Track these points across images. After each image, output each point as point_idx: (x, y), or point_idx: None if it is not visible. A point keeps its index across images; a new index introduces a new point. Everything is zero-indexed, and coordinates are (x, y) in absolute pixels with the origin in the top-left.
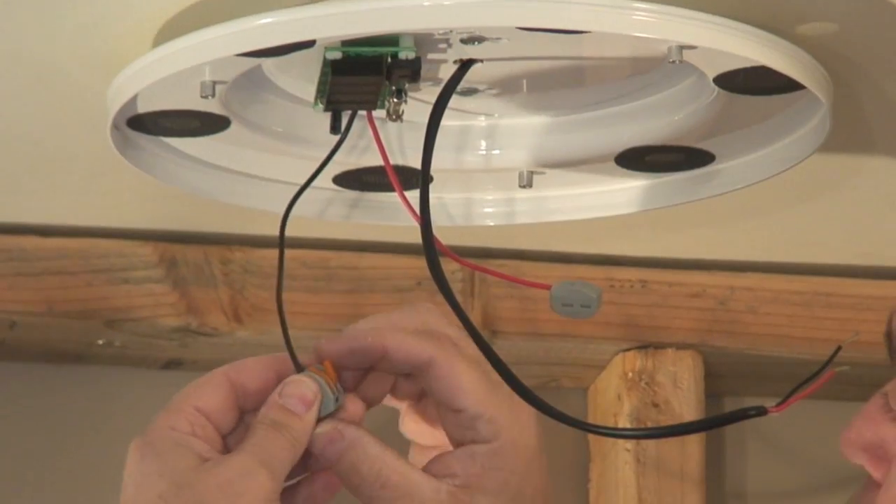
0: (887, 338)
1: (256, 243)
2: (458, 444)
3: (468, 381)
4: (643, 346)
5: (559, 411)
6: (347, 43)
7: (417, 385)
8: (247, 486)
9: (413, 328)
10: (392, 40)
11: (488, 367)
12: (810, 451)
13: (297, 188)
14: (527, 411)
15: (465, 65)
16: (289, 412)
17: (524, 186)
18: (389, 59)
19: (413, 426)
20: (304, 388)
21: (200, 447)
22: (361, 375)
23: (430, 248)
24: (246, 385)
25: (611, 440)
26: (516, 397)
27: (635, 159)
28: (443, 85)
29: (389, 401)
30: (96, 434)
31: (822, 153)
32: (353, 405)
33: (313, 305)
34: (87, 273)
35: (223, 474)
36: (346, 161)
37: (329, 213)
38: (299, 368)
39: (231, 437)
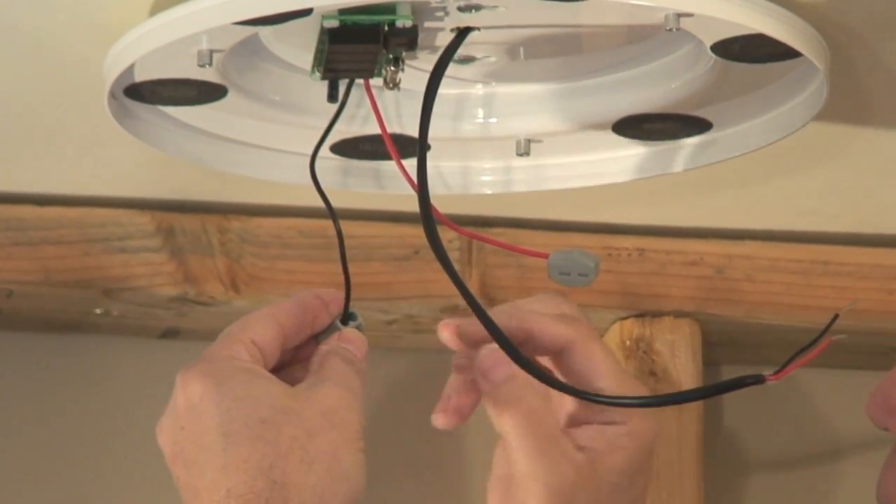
0: None
1: (254, 212)
2: (583, 423)
3: (607, 365)
4: (641, 315)
5: (557, 379)
6: (344, 11)
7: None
8: (348, 417)
9: (550, 313)
10: (389, 8)
11: None
12: (808, 420)
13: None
14: (655, 409)
15: (462, 33)
16: (353, 353)
17: (521, 155)
18: (386, 28)
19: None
20: (360, 341)
21: (272, 377)
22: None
23: (427, 216)
24: (292, 328)
25: None
26: (643, 390)
27: (632, 127)
28: (440, 53)
29: None
30: (93, 403)
31: (819, 121)
32: None
33: (311, 274)
34: (84, 242)
35: (324, 402)
36: (343, 129)
37: (327, 182)
38: (345, 321)
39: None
